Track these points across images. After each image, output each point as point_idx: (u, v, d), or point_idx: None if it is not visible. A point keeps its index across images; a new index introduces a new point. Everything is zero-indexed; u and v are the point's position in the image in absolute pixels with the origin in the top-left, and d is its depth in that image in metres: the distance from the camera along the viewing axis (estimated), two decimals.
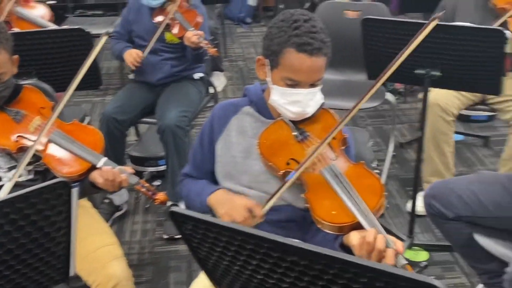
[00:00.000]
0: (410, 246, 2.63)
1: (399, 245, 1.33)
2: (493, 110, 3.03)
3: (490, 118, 3.77)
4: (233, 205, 1.54)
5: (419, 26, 2.35)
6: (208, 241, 0.99)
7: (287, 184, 1.49)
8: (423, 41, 2.25)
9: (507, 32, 2.20)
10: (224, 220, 1.51)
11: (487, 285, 2.17)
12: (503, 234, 2.01)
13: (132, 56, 2.84)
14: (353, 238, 1.34)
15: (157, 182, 3.10)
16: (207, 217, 0.96)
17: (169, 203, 2.71)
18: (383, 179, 3.21)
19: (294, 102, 1.55)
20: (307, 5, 5.87)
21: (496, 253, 1.97)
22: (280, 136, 1.61)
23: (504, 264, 1.80)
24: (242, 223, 1.48)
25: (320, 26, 1.53)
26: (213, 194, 1.63)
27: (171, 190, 2.72)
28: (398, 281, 0.76)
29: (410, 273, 0.77)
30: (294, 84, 1.53)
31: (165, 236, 2.78)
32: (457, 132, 3.65)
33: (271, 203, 1.51)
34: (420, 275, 0.78)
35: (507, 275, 1.73)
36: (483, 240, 2.00)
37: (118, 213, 2.94)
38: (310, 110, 1.59)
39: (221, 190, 1.65)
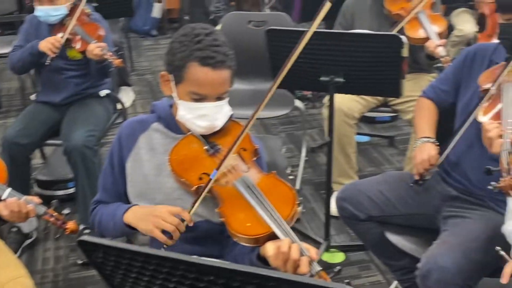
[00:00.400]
0: (327, 249, 2.69)
1: (313, 252, 1.35)
2: (395, 111, 3.18)
3: (393, 119, 3.95)
4: (157, 215, 1.48)
5: (320, 35, 2.45)
6: (121, 267, 0.96)
7: (210, 184, 1.48)
8: (327, 49, 2.35)
9: (403, 37, 2.32)
10: (154, 234, 1.46)
11: (402, 281, 2.26)
12: (412, 231, 2.10)
13: (50, 41, 2.63)
14: (269, 249, 1.35)
15: (66, 210, 2.95)
16: (118, 244, 0.93)
17: (81, 226, 2.62)
18: (297, 184, 3.29)
19: (202, 116, 1.55)
20: (212, 16, 5.91)
21: (407, 249, 2.05)
22: (191, 151, 1.60)
23: (416, 259, 1.88)
24: (173, 231, 1.44)
25: (222, 39, 1.54)
26: (129, 211, 1.57)
27: (83, 214, 2.63)
28: None
29: (321, 281, 0.79)
30: (200, 98, 1.53)
31: (80, 262, 2.66)
32: (363, 134, 3.83)
33: (196, 206, 1.49)
34: (332, 282, 0.80)
35: (419, 271, 1.81)
36: (394, 238, 2.08)
37: (27, 241, 2.79)
38: (219, 123, 1.59)
39: (136, 206, 1.60)
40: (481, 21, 3.91)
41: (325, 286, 0.78)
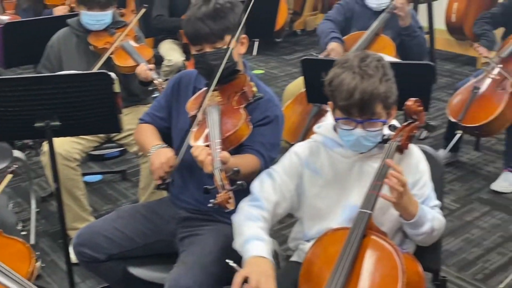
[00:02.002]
0: None
1: None
2: (121, 145, 3.25)
3: (122, 153, 3.99)
4: None
5: (28, 81, 2.37)
6: None
7: None
8: (37, 94, 2.28)
9: (112, 74, 2.38)
10: None
11: None
12: (154, 259, 2.19)
13: None
14: None
15: None
16: None
17: None
18: (32, 239, 3.11)
19: None
20: None
21: (151, 279, 2.12)
22: None
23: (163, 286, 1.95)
24: None
25: None
26: None
27: None
28: None
29: None
30: None
31: None
32: (94, 173, 3.81)
33: None
34: None
35: None
36: (136, 271, 2.14)
37: None
38: None
39: None
40: (186, 49, 4.25)
41: None
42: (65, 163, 2.84)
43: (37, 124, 2.31)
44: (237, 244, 1.81)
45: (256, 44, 5.90)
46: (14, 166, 2.77)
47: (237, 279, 1.65)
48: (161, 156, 2.06)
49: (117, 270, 2.15)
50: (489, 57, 3.62)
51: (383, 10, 3.57)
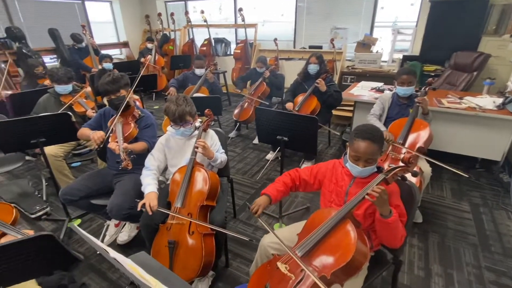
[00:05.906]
0: (70, 220, 2.48)
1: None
2: (86, 146, 3.02)
3: (90, 151, 3.44)
4: None
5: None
6: None
7: None
8: (32, 125, 2.05)
9: (69, 113, 2.26)
10: None
11: (104, 215, 2.25)
12: (102, 195, 2.12)
13: None
14: None
15: None
16: None
17: None
18: (44, 197, 2.84)
19: None
20: None
21: (102, 203, 2.09)
22: None
23: (104, 206, 1.96)
24: None
25: None
26: None
27: None
28: None
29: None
30: None
31: None
32: (76, 161, 3.49)
33: None
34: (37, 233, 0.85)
35: (108, 209, 1.92)
36: (95, 201, 2.12)
37: None
38: None
39: None
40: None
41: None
42: (54, 158, 2.67)
43: (32, 141, 2.22)
44: (142, 187, 1.88)
45: (154, 94, 5.84)
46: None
47: (140, 204, 1.75)
48: (97, 133, 2.00)
49: (86, 203, 2.11)
50: (245, 94, 3.93)
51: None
